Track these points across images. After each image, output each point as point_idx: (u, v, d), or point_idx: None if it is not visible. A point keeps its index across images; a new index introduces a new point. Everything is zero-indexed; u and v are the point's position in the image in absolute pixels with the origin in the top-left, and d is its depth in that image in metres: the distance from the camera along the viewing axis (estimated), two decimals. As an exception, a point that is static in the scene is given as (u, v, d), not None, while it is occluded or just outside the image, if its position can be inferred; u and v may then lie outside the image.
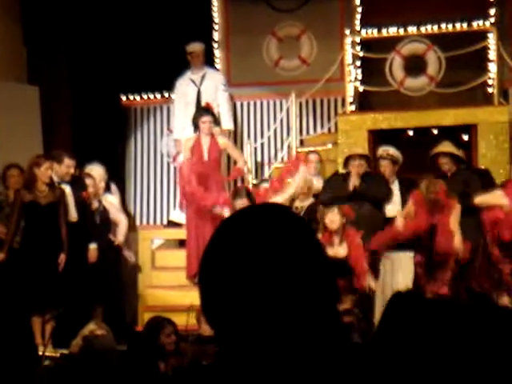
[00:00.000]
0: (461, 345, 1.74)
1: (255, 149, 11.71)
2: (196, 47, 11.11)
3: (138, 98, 12.28)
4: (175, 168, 11.49)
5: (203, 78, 11.08)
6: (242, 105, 12.22)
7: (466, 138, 10.54)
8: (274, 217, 1.59)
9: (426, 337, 1.75)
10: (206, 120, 10.10)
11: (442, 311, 1.80)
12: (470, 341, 1.75)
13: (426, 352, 1.74)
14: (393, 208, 9.43)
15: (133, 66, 11.64)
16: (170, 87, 11.51)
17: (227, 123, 11.06)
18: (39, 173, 8.54)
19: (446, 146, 9.39)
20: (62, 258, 8.50)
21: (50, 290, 8.34)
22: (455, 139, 9.95)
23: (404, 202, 9.44)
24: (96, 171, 9.55)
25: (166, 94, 11.81)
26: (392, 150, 9.70)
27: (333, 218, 8.35)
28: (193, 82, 11.08)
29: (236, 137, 12.18)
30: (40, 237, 8.49)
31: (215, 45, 12.24)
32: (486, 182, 9.29)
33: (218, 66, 12.15)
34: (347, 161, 9.58)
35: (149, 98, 12.20)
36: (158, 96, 12.13)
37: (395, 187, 9.54)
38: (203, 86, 11.04)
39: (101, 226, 9.29)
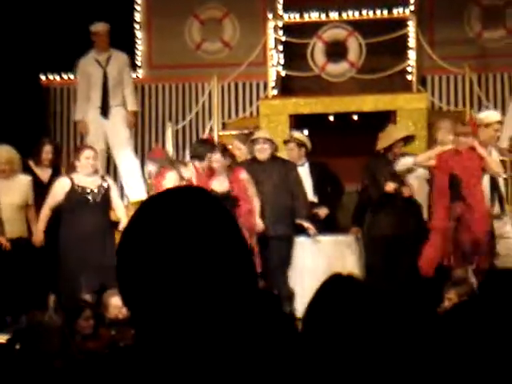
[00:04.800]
0: (383, 330, 1.77)
1: (176, 131, 11.65)
2: (100, 27, 10.74)
3: (57, 77, 12.10)
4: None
5: (109, 59, 10.79)
6: (163, 87, 12.14)
7: (385, 124, 10.67)
8: (190, 198, 1.59)
9: (353, 321, 1.77)
10: (211, 156, 9.06)
11: (371, 298, 1.82)
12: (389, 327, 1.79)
13: (353, 335, 1.76)
14: None
15: (53, 46, 11.44)
16: (66, 70, 11.37)
17: (133, 105, 10.88)
18: None
19: (404, 130, 9.50)
20: None
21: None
22: (374, 125, 10.06)
23: (315, 184, 9.46)
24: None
25: (58, 77, 11.66)
26: (297, 134, 9.74)
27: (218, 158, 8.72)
28: (98, 62, 10.75)
29: (157, 119, 12.12)
30: None
31: (137, 26, 12.12)
32: None
33: (139, 47, 12.03)
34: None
35: (69, 78, 12.02)
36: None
37: (305, 170, 9.52)
38: (109, 67, 10.77)
39: None
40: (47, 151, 9.61)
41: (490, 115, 9.03)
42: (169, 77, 11.94)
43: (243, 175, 8.82)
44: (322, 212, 9.29)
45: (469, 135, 8.39)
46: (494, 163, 8.39)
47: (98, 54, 10.75)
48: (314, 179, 9.46)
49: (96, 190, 8.81)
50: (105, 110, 10.62)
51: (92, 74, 10.71)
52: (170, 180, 8.70)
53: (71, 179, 8.86)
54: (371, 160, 9.12)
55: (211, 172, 8.93)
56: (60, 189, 8.84)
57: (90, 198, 8.77)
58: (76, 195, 8.77)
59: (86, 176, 8.86)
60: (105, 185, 8.89)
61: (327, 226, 9.30)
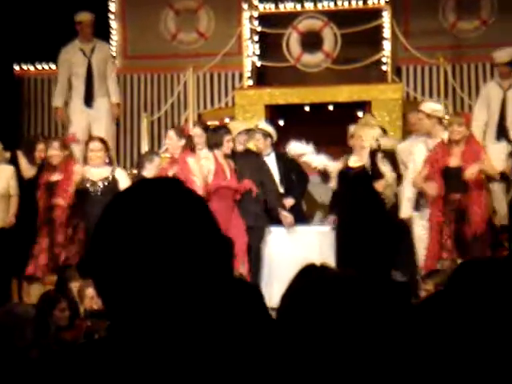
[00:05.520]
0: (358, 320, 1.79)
1: (152, 122, 11.63)
2: (85, 17, 10.76)
3: (32, 68, 12.04)
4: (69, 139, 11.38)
5: (93, 49, 10.78)
6: (139, 77, 12.10)
7: (360, 114, 10.71)
8: (167, 190, 1.59)
9: (330, 313, 1.78)
10: (229, 139, 8.89)
11: (346, 288, 1.83)
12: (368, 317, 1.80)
13: (330, 327, 1.77)
14: None
15: (27, 36, 11.37)
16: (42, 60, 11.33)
17: (116, 97, 10.86)
18: None
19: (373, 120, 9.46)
20: None
21: None
22: (350, 115, 10.09)
23: (281, 174, 9.46)
24: None
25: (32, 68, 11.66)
26: (263, 125, 9.74)
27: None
28: (82, 52, 10.74)
29: (132, 110, 12.08)
30: None
31: (111, 16, 12.07)
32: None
33: (114, 37, 11.99)
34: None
35: (43, 68, 11.96)
36: (54, 66, 11.91)
37: (271, 160, 9.52)
38: (94, 57, 10.75)
39: None
40: (40, 149, 9.54)
41: (432, 106, 8.90)
42: (144, 67, 11.90)
43: (189, 159, 8.77)
44: (288, 202, 9.30)
45: (462, 125, 8.28)
46: (489, 167, 8.28)
47: (82, 43, 10.74)
48: (280, 169, 9.47)
49: (99, 183, 8.75)
50: (89, 100, 10.61)
51: (75, 63, 10.70)
52: (78, 173, 8.77)
53: (83, 170, 8.87)
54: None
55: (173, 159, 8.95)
56: (76, 173, 8.86)
57: (91, 189, 8.74)
58: (80, 186, 8.76)
59: (95, 167, 8.82)
60: (110, 177, 8.78)
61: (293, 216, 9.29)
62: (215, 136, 8.92)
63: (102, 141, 9.12)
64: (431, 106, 8.72)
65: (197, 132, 9.31)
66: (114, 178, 8.78)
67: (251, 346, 1.56)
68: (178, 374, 1.51)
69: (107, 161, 8.94)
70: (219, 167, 8.80)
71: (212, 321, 1.55)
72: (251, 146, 9.37)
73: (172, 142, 8.92)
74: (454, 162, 8.20)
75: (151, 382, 1.50)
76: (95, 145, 8.92)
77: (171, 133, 9.04)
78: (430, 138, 8.53)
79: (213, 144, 8.88)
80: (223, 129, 9.07)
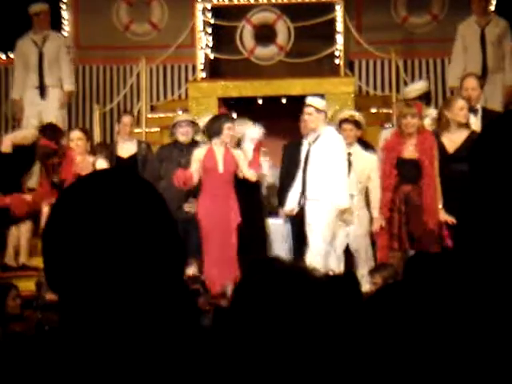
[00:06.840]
0: (312, 316, 1.80)
1: (104, 114, 11.55)
2: (38, 8, 10.74)
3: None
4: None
5: (45, 39, 10.76)
6: (91, 68, 12.00)
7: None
8: (119, 180, 1.59)
9: (278, 308, 1.79)
10: (230, 126, 8.65)
11: (295, 281, 1.85)
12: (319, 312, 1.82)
13: (277, 321, 1.78)
14: None
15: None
16: (11, 49, 11.20)
17: (69, 85, 10.84)
18: None
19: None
20: None
21: None
22: (303, 109, 10.12)
23: None
24: None
25: (4, 56, 11.53)
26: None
27: None
28: (34, 42, 10.74)
29: (84, 101, 11.98)
30: None
31: (63, 6, 11.95)
32: None
33: (66, 27, 11.88)
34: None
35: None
36: (4, 57, 11.80)
37: None
38: (45, 47, 10.74)
39: None
40: None
41: (321, 101, 8.88)
42: (96, 58, 11.81)
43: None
44: None
45: (415, 116, 8.29)
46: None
47: (35, 34, 10.75)
48: None
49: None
50: (42, 91, 10.58)
51: (28, 55, 10.70)
52: None
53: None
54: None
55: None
56: None
57: None
58: None
59: (79, 156, 8.82)
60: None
61: None
62: (215, 124, 8.69)
63: (83, 130, 9.10)
64: (321, 102, 8.78)
65: (76, 135, 9.09)
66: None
67: (199, 344, 1.57)
68: (124, 368, 1.51)
69: (88, 150, 8.92)
70: (210, 155, 8.56)
71: (162, 313, 1.55)
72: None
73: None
74: (407, 153, 8.24)
75: (97, 375, 1.50)
76: (75, 134, 8.89)
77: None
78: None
79: (212, 132, 8.64)
80: (224, 117, 8.90)
